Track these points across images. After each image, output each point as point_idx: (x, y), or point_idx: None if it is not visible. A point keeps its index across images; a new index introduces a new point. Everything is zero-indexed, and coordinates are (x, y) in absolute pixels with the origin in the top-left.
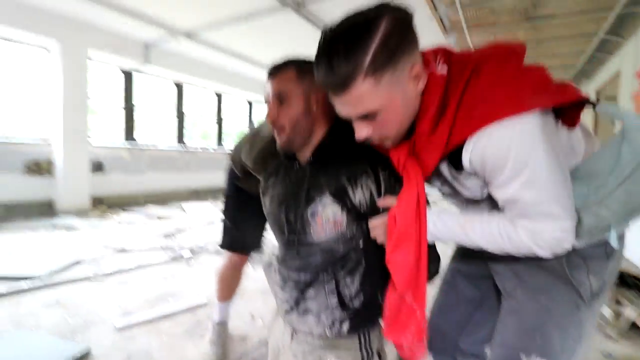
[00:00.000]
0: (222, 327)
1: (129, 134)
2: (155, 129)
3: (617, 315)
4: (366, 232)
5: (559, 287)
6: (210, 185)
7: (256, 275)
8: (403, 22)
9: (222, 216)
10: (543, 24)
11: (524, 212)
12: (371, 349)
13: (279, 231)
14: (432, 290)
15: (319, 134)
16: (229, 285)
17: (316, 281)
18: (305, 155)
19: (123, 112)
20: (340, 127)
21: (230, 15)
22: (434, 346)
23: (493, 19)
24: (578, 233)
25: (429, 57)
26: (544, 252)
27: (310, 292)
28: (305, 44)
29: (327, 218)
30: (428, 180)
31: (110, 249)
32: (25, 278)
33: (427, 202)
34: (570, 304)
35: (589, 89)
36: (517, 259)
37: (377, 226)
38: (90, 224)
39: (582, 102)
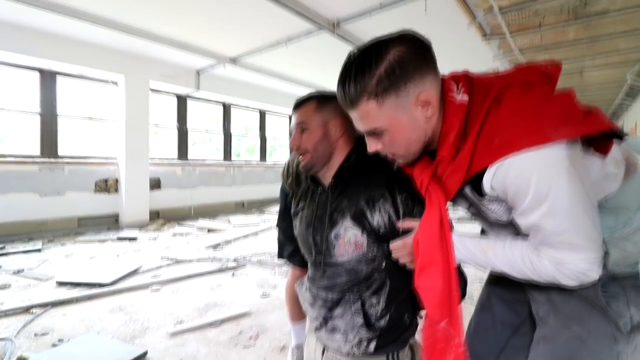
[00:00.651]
0: (300, 351)
1: (182, 152)
2: (204, 147)
3: None
4: (387, 253)
5: (595, 317)
6: (255, 198)
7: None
8: (415, 52)
9: (277, 230)
10: (596, 21)
11: (547, 241)
12: None
13: (307, 252)
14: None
15: (339, 157)
16: (296, 301)
17: (342, 300)
18: (327, 179)
19: (176, 133)
20: (360, 152)
21: (271, 41)
22: None
23: (537, 20)
24: (605, 265)
25: (449, 84)
26: (569, 282)
27: (338, 311)
28: (339, 59)
29: (348, 240)
30: (454, 202)
31: (166, 259)
32: (95, 285)
33: (451, 225)
34: (606, 336)
35: None
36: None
37: (397, 248)
38: (149, 236)
39: (610, 133)
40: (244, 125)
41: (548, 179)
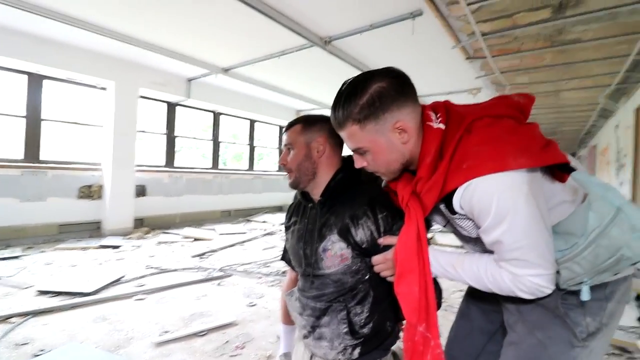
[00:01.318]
0: (287, 359)
1: (170, 159)
2: (190, 153)
3: None
4: (371, 266)
5: (555, 324)
6: (242, 206)
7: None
8: (394, 88)
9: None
10: (570, 48)
11: (506, 257)
12: None
13: (297, 263)
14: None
15: (325, 175)
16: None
17: (329, 309)
18: (317, 195)
19: (165, 140)
20: (346, 172)
21: (264, 54)
22: None
23: (516, 45)
24: (557, 282)
25: (428, 112)
26: (524, 295)
27: (325, 320)
28: (329, 73)
29: (335, 253)
30: (430, 217)
31: (150, 268)
32: (77, 294)
33: (428, 240)
34: (564, 342)
35: (628, 108)
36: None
37: (379, 262)
38: (133, 244)
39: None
40: (232, 132)
41: (507, 200)
